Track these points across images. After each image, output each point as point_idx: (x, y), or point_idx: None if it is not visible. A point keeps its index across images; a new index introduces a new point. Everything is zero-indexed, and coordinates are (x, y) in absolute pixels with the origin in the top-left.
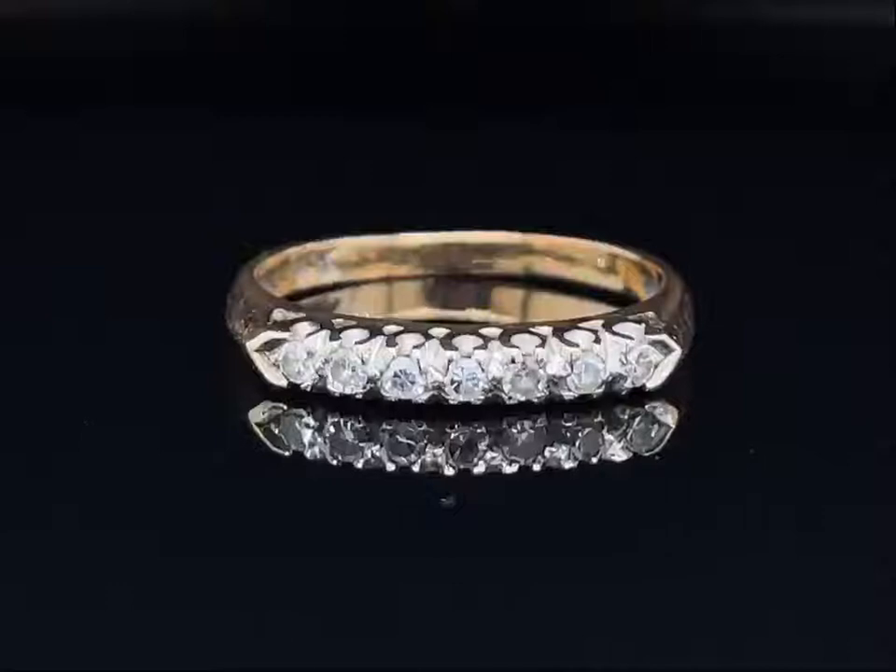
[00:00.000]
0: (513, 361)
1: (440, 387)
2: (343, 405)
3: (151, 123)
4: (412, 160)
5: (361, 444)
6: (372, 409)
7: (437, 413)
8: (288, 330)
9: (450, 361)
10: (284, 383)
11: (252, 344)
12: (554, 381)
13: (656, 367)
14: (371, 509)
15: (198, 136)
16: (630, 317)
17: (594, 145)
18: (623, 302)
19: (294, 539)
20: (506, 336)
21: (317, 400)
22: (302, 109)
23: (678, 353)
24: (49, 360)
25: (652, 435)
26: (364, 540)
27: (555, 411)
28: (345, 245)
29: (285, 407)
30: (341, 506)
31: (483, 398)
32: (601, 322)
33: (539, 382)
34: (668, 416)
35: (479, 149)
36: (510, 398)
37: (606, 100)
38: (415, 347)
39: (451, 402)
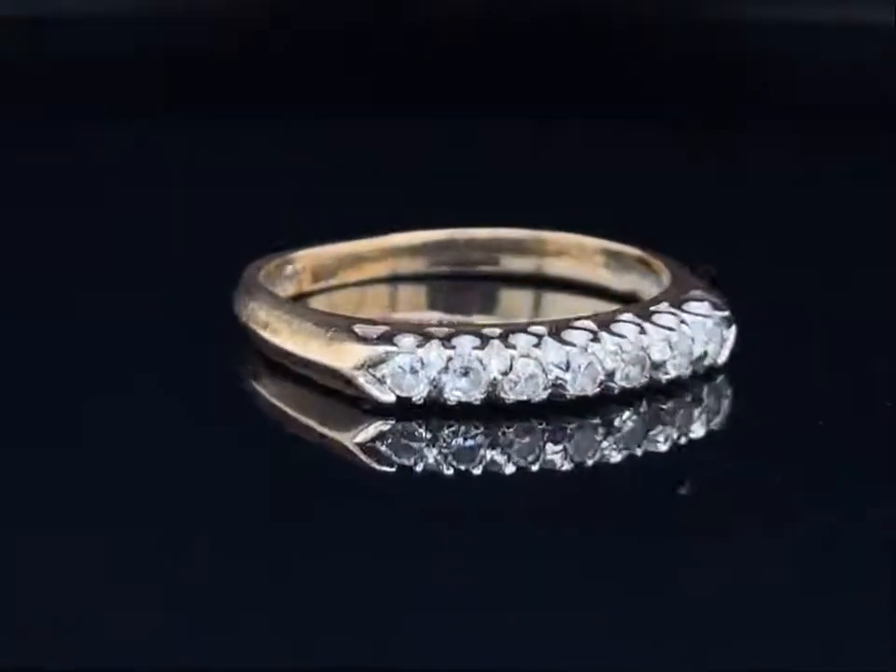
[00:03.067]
0: (622, 350)
1: (561, 384)
2: (457, 413)
3: (150, 123)
4: (411, 160)
5: (482, 451)
6: (487, 414)
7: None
8: (393, 344)
9: (568, 355)
10: (392, 398)
11: (348, 362)
12: (656, 365)
13: (725, 342)
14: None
15: (198, 137)
16: (690, 297)
17: (600, 143)
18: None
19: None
20: (604, 326)
21: (430, 412)
22: (302, 109)
23: (734, 328)
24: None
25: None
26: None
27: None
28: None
29: (393, 422)
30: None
31: (597, 390)
32: (668, 304)
33: (644, 368)
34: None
35: (480, 149)
36: (618, 387)
37: (609, 98)
38: (534, 346)
39: (568, 398)
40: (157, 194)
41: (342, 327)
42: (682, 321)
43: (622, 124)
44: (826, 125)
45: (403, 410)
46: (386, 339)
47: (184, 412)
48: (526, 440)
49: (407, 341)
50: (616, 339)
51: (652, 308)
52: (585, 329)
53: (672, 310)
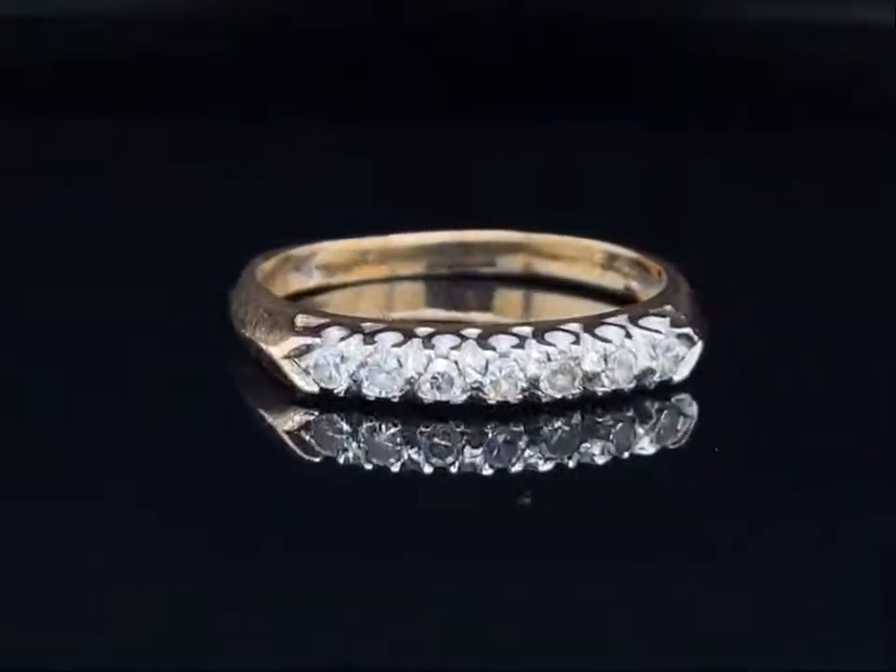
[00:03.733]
0: (549, 359)
1: (478, 388)
2: (377, 408)
3: (151, 123)
4: (411, 160)
5: (398, 448)
6: (407, 412)
7: (473, 413)
8: (319, 336)
9: (488, 362)
10: (315, 389)
11: (279, 351)
12: (589, 377)
13: (682, 360)
14: (410, 511)
15: (198, 137)
16: (651, 311)
17: (596, 143)
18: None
19: (332, 542)
20: (539, 333)
21: (351, 405)
22: (302, 109)
23: (699, 346)
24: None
25: (679, 427)
26: (406, 541)
27: (588, 407)
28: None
29: (316, 413)
30: (376, 509)
31: (521, 397)
32: (626, 317)
33: (574, 379)
34: (693, 409)
35: (478, 149)
36: (546, 396)
37: (607, 98)
38: (453, 349)
39: (489, 402)
40: (157, 194)
41: (286, 315)
42: (627, 335)
43: (619, 125)
44: (826, 125)
45: (329, 401)
46: (314, 331)
47: (151, 392)
48: (445, 441)
49: (332, 334)
50: (544, 347)
51: (604, 319)
52: (515, 335)
53: (622, 322)
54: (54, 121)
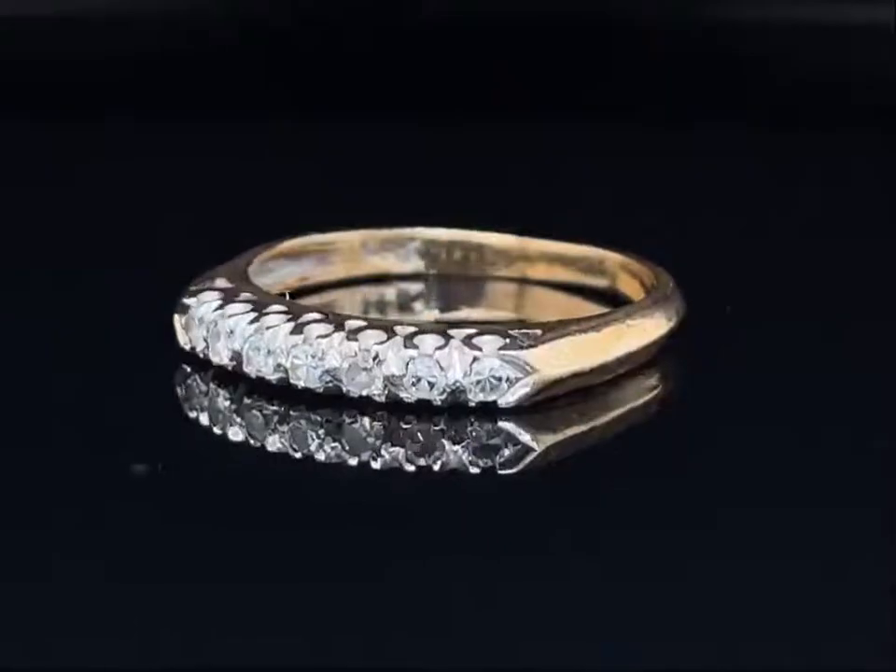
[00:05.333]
0: (354, 354)
1: (286, 370)
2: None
3: (150, 123)
4: (410, 160)
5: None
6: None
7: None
8: (195, 297)
9: (294, 346)
10: (188, 347)
11: (176, 307)
12: (391, 381)
13: (509, 384)
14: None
15: (198, 137)
16: (500, 330)
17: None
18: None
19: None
20: (353, 332)
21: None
22: (301, 109)
23: (539, 375)
24: None
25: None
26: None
27: (397, 412)
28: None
29: (188, 369)
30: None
31: (321, 386)
32: (473, 331)
33: (374, 379)
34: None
35: (475, 150)
36: (348, 390)
37: (604, 100)
38: (270, 328)
39: (298, 388)
40: (155, 194)
41: (211, 277)
42: (443, 346)
43: (616, 126)
44: (826, 125)
45: (221, 372)
46: (198, 293)
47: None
48: (259, 416)
49: (206, 296)
50: (352, 343)
51: (449, 330)
52: (329, 323)
53: (452, 333)
54: (54, 121)
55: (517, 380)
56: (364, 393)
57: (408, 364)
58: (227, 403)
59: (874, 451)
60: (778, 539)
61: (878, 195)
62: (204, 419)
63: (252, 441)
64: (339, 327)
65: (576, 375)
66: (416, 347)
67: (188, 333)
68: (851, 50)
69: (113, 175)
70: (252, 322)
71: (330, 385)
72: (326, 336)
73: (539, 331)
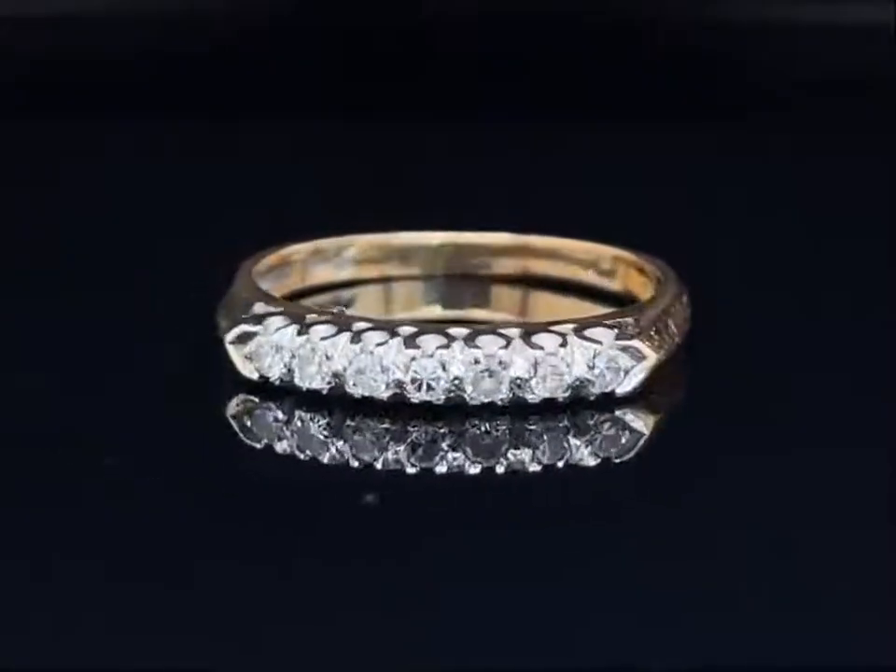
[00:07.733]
0: (476, 362)
1: (401, 385)
2: (312, 400)
3: (150, 123)
4: (410, 160)
5: (327, 440)
6: (339, 405)
7: (400, 411)
8: (261, 324)
9: (412, 360)
10: (255, 376)
11: (228, 337)
12: (518, 383)
13: (626, 373)
14: (336, 505)
15: (197, 138)
16: (606, 322)
17: (596, 145)
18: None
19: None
20: (471, 337)
21: (287, 395)
22: (301, 109)
23: (652, 359)
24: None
25: (623, 441)
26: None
27: (520, 413)
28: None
29: (257, 400)
30: (307, 501)
31: (443, 397)
32: (573, 326)
33: (501, 384)
34: (639, 422)
35: (477, 150)
36: (472, 398)
37: (605, 99)
38: (378, 345)
39: (413, 401)
40: (156, 194)
41: (247, 303)
42: (563, 343)
43: (618, 126)
44: (826, 126)
45: (270, 389)
46: (257, 319)
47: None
48: (368, 436)
49: (272, 322)
50: (472, 350)
51: (552, 327)
52: (445, 335)
53: (562, 331)
54: (53, 121)
55: (632, 368)
56: (487, 399)
57: (535, 365)
58: (349, 431)
59: (874, 450)
60: None
61: (878, 195)
62: (344, 450)
63: (397, 466)
64: (448, 336)
65: (671, 359)
66: (541, 348)
67: (255, 363)
68: (851, 50)
69: (113, 175)
70: (354, 342)
71: (453, 395)
72: (445, 347)
73: (632, 319)
